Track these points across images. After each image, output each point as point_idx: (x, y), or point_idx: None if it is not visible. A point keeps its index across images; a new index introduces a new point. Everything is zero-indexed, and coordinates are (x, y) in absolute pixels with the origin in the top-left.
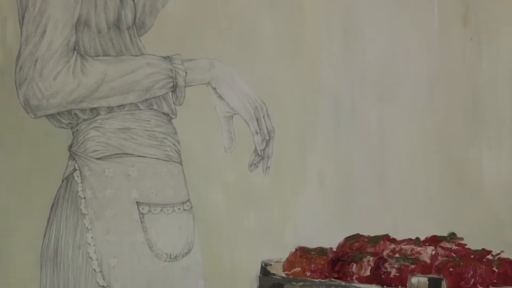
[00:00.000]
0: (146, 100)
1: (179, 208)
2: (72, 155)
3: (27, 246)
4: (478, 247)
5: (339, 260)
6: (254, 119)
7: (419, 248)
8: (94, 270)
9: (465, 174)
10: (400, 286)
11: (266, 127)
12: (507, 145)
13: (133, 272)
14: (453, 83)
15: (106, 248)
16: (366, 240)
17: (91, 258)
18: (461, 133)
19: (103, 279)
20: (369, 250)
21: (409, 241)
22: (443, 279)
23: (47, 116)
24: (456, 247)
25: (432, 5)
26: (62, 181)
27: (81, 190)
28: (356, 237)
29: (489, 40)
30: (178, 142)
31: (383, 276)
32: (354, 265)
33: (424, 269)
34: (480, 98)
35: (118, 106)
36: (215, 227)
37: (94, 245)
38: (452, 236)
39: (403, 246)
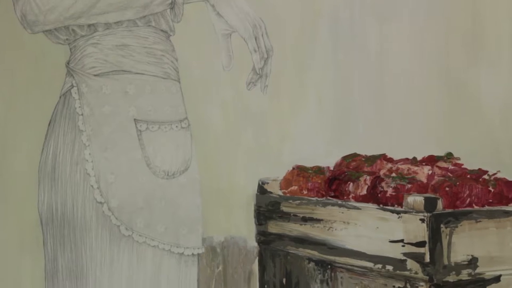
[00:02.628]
0: (144, 17)
1: (176, 126)
2: (70, 72)
3: (25, 162)
4: (475, 167)
5: (336, 179)
6: (252, 37)
7: (415, 168)
8: (92, 186)
9: (463, 95)
10: (396, 205)
11: (265, 46)
12: (506, 66)
13: (130, 189)
14: (453, 3)
15: (104, 164)
16: (363, 159)
17: (88, 174)
18: (460, 53)
19: (101, 195)
20: (366, 169)
21: (406, 160)
22: (439, 199)
23: (44, 32)
24: (452, 167)
25: None
26: (60, 97)
27: (79, 107)
28: (353, 156)
29: None
30: (176, 60)
31: (379, 195)
32: (351, 184)
33: (421, 188)
34: (480, 18)
35: (116, 23)
36: (212, 145)
37: (91, 161)
38: (449, 156)
39: (400, 166)
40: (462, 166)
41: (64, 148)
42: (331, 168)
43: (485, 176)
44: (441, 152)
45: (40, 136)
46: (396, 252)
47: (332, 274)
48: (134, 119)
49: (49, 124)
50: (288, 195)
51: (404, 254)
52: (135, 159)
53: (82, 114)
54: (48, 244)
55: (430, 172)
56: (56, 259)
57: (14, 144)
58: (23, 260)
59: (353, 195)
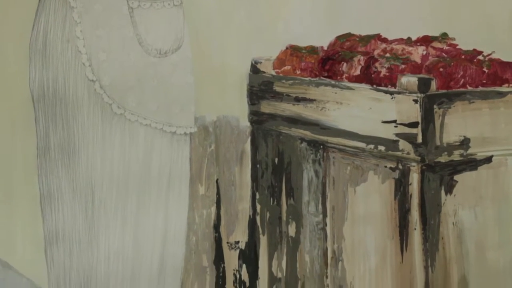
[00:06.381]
0: None
1: (169, 4)
2: None
3: (15, 39)
4: (470, 47)
5: (330, 59)
6: None
7: (410, 48)
8: (83, 64)
9: None
10: (389, 86)
11: None
12: None
13: (122, 67)
14: None
15: (95, 42)
16: (357, 39)
17: (80, 52)
18: None
19: (92, 73)
20: (360, 49)
21: (400, 41)
22: (432, 79)
23: None
24: (447, 47)
25: None
26: None
27: None
28: (347, 36)
29: None
30: None
31: (373, 75)
32: (344, 64)
33: (414, 69)
34: None
35: None
36: (205, 24)
37: (83, 39)
38: (443, 36)
39: (394, 46)
40: (457, 47)
41: (55, 25)
42: (325, 48)
43: (480, 57)
44: (436, 32)
45: (31, 12)
46: (388, 132)
47: (324, 154)
48: None
49: (39, 0)
50: (281, 75)
51: (397, 134)
52: (127, 37)
53: None
54: (40, 122)
55: (424, 52)
56: (48, 137)
57: (4, 21)
58: (15, 137)
59: (346, 75)
